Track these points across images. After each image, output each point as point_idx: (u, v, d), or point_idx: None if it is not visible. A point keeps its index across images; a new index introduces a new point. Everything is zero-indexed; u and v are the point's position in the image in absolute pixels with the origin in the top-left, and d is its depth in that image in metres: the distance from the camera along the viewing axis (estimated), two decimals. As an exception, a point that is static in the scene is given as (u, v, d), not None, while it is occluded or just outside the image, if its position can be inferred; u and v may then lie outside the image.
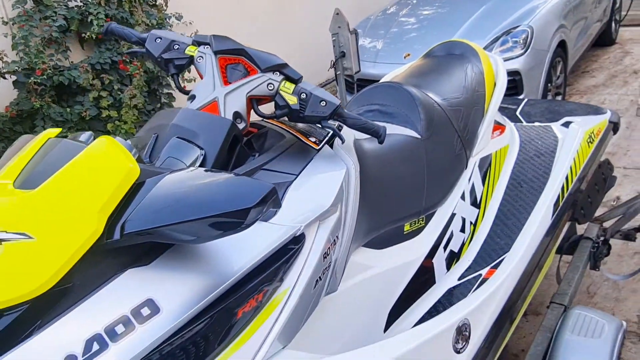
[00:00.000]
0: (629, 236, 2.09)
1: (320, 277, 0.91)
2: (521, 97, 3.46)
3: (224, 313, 0.75)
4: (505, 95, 1.81)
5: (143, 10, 3.54)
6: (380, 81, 1.74)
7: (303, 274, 0.86)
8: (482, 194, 1.63)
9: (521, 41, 3.52)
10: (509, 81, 2.07)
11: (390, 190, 1.31)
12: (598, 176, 2.01)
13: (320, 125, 1.03)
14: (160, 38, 1.08)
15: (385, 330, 1.26)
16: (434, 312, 1.35)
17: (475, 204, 1.59)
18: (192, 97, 1.02)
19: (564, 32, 3.93)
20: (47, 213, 0.69)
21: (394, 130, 1.43)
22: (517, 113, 2.16)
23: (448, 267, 1.48)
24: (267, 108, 1.06)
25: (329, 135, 1.08)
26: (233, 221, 0.67)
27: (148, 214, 0.68)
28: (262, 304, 0.79)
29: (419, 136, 1.43)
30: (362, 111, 1.54)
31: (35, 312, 0.65)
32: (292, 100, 1.01)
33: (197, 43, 1.07)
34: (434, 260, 1.43)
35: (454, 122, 1.55)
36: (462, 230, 1.53)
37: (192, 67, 1.10)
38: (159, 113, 1.01)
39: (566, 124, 1.98)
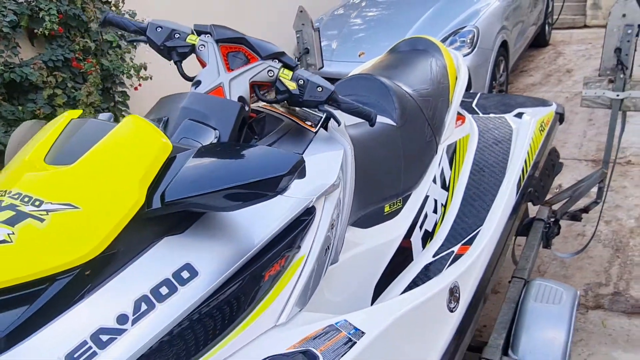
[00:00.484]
0: (575, 217, 2.29)
1: (328, 247, 0.99)
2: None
3: (253, 276, 0.80)
4: None
5: (95, 7, 3.48)
6: (349, 75, 1.83)
7: (316, 242, 0.93)
8: (450, 177, 1.76)
9: (468, 41, 3.73)
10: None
11: (372, 173, 1.40)
12: (548, 162, 2.19)
13: (317, 109, 1.11)
14: (161, 27, 1.11)
15: (372, 303, 1.35)
16: (414, 286, 1.45)
17: (444, 186, 1.72)
18: (198, 83, 1.06)
19: (506, 33, 4.19)
20: (88, 185, 0.73)
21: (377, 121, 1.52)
22: (473, 105, 2.31)
23: (423, 245, 1.59)
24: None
25: (323, 118, 1.16)
26: (266, 188, 0.73)
27: (187, 183, 0.73)
28: (284, 268, 0.86)
29: (394, 124, 1.53)
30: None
31: (86, 276, 0.69)
32: (292, 86, 1.08)
33: (198, 32, 1.12)
34: (411, 239, 1.53)
35: (424, 111, 1.66)
36: (435, 211, 1.64)
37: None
38: (164, 98, 1.05)
39: (519, 115, 2.14)
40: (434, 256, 1.57)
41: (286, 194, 0.92)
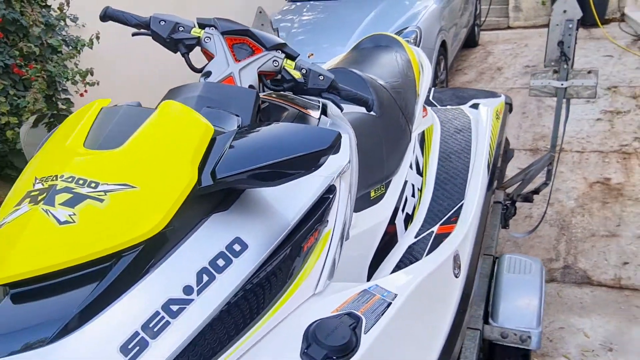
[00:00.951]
0: (527, 198, 2.48)
1: (346, 222, 1.05)
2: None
3: (294, 248, 0.85)
4: None
5: (33, 10, 3.34)
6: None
7: (338, 218, 0.99)
8: (422, 164, 1.87)
9: (412, 40, 3.91)
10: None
11: (359, 160, 1.48)
12: (502, 149, 2.37)
13: (319, 97, 1.17)
14: (164, 21, 1.13)
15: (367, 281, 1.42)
16: (402, 265, 1.54)
17: (419, 172, 1.82)
18: (208, 74, 1.09)
19: (444, 33, 4.42)
20: (141, 166, 0.75)
21: (353, 109, 1.60)
22: (431, 99, 2.45)
23: (405, 228, 1.68)
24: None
25: (321, 105, 1.22)
26: (309, 163, 0.79)
27: (235, 160, 0.77)
28: (317, 240, 0.91)
29: (374, 114, 1.62)
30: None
31: (150, 251, 0.71)
32: (297, 75, 1.13)
33: (202, 25, 1.15)
34: (395, 222, 1.62)
35: (397, 102, 1.76)
36: (413, 195, 1.74)
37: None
38: (174, 89, 1.07)
39: (474, 106, 2.30)
40: (415, 237, 1.67)
41: (313, 173, 0.98)
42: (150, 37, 1.15)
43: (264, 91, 1.21)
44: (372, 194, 1.55)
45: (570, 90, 2.16)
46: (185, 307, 0.70)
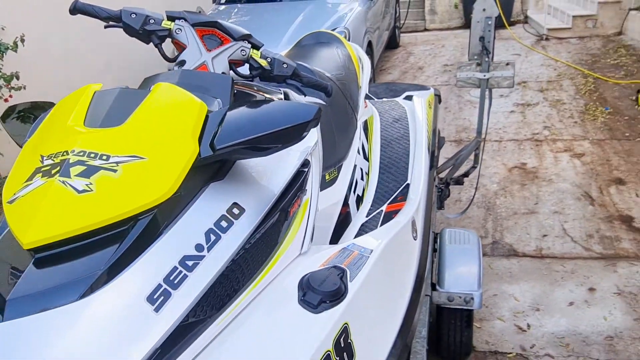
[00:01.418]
0: (459, 181, 2.71)
1: (318, 194, 1.16)
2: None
3: (282, 212, 0.95)
4: None
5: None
6: None
7: (314, 188, 1.10)
8: (367, 150, 2.01)
9: (342, 41, 4.09)
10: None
11: None
12: (437, 135, 2.57)
13: (284, 83, 1.27)
14: (135, 14, 1.19)
15: None
16: None
17: (365, 157, 1.97)
18: (182, 62, 1.16)
19: (370, 34, 4.65)
20: (146, 139, 0.82)
21: (307, 100, 1.72)
22: (368, 92, 2.62)
23: (357, 208, 1.82)
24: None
25: (283, 93, 1.33)
26: (296, 134, 0.89)
27: (232, 132, 0.85)
28: (300, 206, 1.01)
29: (324, 103, 1.74)
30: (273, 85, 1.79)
31: (162, 215, 0.79)
32: (264, 63, 1.23)
33: (171, 18, 1.21)
34: (349, 202, 1.75)
35: (344, 92, 1.89)
36: (362, 178, 1.88)
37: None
38: (149, 78, 1.13)
39: (408, 98, 2.49)
40: (367, 216, 1.81)
41: (291, 148, 1.08)
42: (122, 30, 1.20)
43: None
44: (327, 176, 1.67)
45: (492, 80, 2.40)
46: (199, 262, 0.78)
